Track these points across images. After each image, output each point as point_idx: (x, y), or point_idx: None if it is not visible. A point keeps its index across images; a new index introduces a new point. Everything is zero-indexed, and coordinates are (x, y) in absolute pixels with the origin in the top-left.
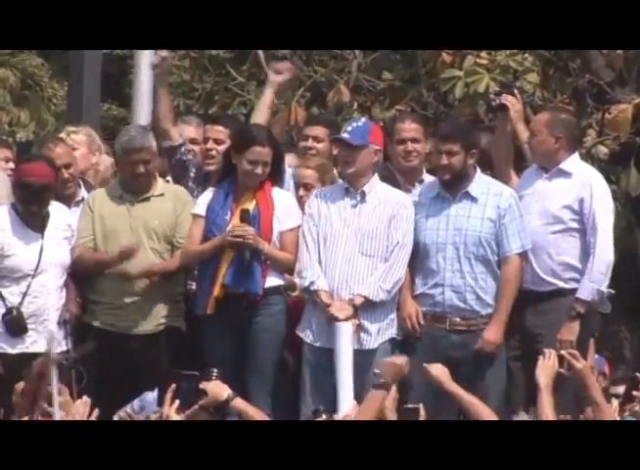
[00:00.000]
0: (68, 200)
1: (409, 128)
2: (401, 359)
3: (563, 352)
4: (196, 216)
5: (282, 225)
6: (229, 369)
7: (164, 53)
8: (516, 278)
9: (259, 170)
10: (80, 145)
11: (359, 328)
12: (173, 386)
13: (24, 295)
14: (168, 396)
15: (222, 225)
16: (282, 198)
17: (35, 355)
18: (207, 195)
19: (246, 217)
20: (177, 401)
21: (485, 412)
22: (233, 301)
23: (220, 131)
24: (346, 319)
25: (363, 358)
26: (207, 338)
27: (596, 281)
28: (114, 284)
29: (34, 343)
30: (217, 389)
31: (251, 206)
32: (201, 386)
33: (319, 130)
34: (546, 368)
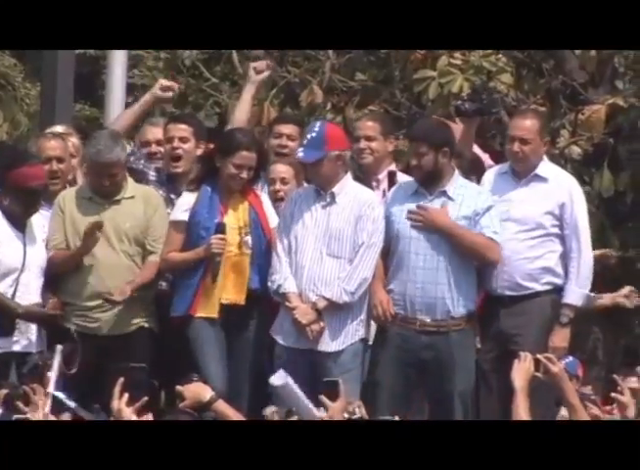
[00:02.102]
0: (52, 197)
1: (363, 126)
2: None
3: (539, 355)
4: (176, 223)
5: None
6: (224, 372)
7: (175, 85)
8: (486, 243)
9: (245, 175)
10: (77, 152)
11: (325, 330)
12: (121, 379)
13: (13, 295)
14: (117, 389)
15: (212, 228)
16: (264, 198)
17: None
18: (187, 200)
19: (223, 230)
20: (126, 394)
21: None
22: (254, 303)
23: (184, 129)
24: (309, 323)
25: (329, 360)
26: (208, 342)
27: (583, 285)
28: (86, 286)
29: (16, 343)
30: (199, 390)
31: (245, 210)
32: (180, 388)
33: (292, 129)
34: (522, 371)
